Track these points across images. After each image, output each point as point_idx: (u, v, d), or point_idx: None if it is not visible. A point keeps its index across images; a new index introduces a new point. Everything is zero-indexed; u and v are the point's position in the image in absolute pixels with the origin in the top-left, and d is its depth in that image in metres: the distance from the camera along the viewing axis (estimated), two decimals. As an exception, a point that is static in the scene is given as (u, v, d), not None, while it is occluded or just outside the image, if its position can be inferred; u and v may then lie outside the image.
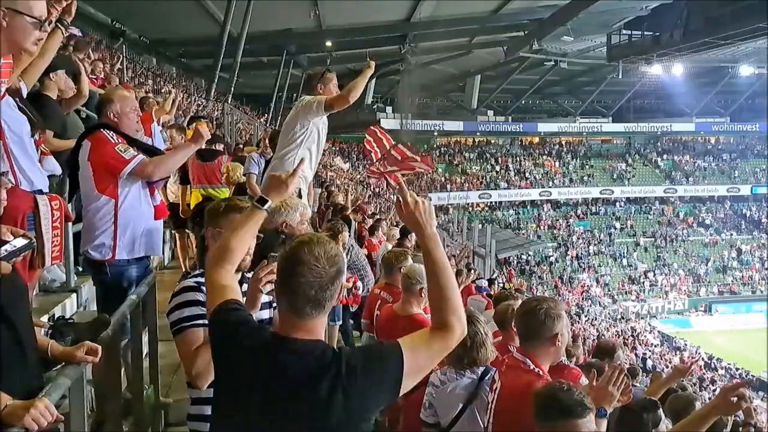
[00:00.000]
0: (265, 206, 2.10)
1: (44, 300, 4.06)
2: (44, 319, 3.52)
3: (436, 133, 46.24)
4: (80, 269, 4.87)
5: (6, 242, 1.72)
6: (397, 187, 2.01)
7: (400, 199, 1.95)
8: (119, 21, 24.65)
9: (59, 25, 3.25)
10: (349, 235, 7.24)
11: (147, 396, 3.59)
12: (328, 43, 33.74)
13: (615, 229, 43.10)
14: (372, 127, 15.29)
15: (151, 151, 3.72)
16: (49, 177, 3.85)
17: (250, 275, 2.45)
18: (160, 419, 3.84)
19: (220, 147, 8.40)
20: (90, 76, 7.35)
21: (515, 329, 3.88)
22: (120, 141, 3.57)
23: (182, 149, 3.79)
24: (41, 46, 2.88)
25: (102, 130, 3.60)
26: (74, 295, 4.49)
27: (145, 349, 3.78)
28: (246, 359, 1.74)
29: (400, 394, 1.80)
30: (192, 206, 7.15)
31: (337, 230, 6.69)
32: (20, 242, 1.76)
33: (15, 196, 3.08)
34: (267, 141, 6.85)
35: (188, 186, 7.36)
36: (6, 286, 2.05)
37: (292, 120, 4.63)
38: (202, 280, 2.47)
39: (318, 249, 1.73)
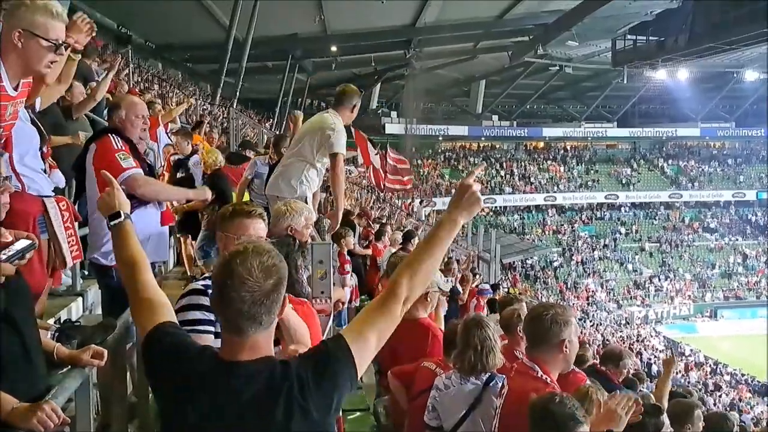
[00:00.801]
0: (121, 219, 2.09)
1: (50, 303, 4.07)
2: (50, 322, 3.54)
3: (440, 138, 46.36)
4: (86, 273, 4.90)
5: (9, 244, 1.72)
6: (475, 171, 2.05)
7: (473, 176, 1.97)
8: (125, 26, 24.71)
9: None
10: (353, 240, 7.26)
11: (152, 399, 3.60)
12: (333, 48, 33.82)
13: (620, 234, 43.02)
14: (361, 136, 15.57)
15: (147, 172, 3.70)
16: (54, 190, 3.88)
17: None
18: (164, 423, 3.84)
19: (250, 154, 8.51)
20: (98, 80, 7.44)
21: (522, 334, 3.88)
22: (123, 148, 3.57)
23: (180, 191, 3.70)
24: (56, 69, 2.88)
25: (110, 134, 3.63)
26: (80, 298, 4.52)
27: (151, 353, 3.79)
28: (193, 387, 1.64)
29: (359, 376, 1.78)
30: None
31: (340, 235, 6.72)
32: (22, 243, 1.77)
33: (23, 200, 3.11)
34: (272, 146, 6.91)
35: None
36: (10, 288, 2.07)
37: (310, 134, 4.70)
38: (210, 282, 2.48)
39: (252, 260, 1.62)
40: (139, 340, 3.43)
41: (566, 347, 2.80)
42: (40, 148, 3.44)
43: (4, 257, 1.63)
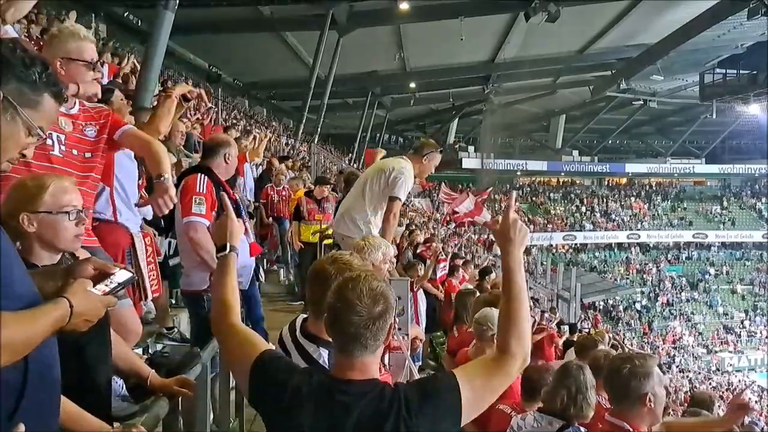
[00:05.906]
0: (226, 252, 2.10)
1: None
2: (139, 351, 3.72)
3: (518, 173, 45.77)
4: (173, 302, 5.14)
5: (109, 275, 1.78)
6: (507, 200, 2.01)
7: (503, 214, 1.96)
8: (216, 66, 26.05)
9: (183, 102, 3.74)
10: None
11: (232, 428, 3.70)
12: (412, 85, 34.30)
13: (709, 275, 40.82)
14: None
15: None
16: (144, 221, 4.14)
17: None
18: (242, 452, 3.93)
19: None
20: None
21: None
22: (204, 191, 3.69)
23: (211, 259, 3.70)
24: (167, 119, 3.48)
25: (199, 174, 3.78)
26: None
27: (232, 383, 3.90)
28: (303, 405, 1.70)
29: (463, 424, 1.78)
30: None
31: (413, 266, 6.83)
32: (123, 276, 1.81)
33: (115, 231, 3.34)
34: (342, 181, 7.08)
35: (300, 222, 8.05)
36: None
37: (378, 174, 4.61)
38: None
39: (362, 286, 1.70)
40: (221, 369, 3.57)
41: (650, 400, 2.64)
42: (138, 179, 3.70)
43: (107, 289, 1.69)
